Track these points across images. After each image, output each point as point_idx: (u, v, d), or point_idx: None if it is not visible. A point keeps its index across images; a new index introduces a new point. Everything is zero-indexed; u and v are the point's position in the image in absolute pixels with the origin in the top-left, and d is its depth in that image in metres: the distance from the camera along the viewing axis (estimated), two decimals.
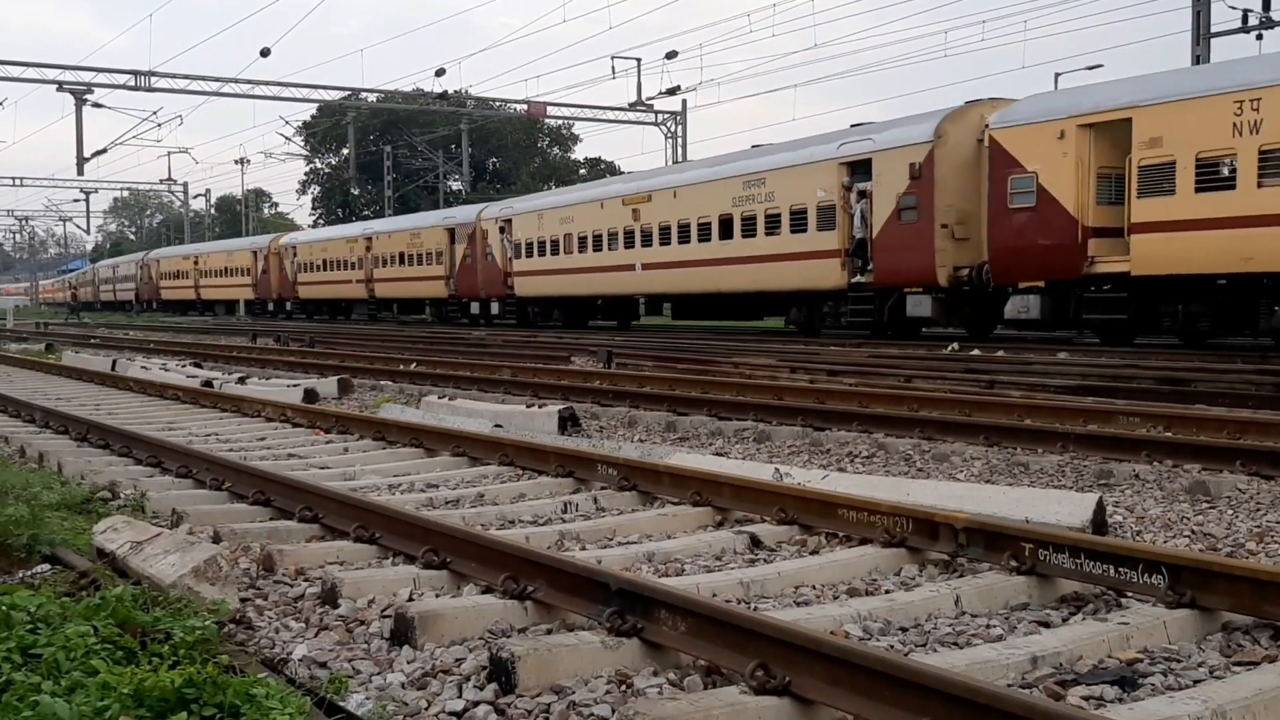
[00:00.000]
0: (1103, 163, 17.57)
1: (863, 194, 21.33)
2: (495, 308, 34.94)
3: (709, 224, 25.15)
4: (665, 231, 26.72)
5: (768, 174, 23.62)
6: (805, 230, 22.51)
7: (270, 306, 52.10)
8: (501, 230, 34.30)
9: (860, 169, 21.42)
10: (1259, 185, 15.33)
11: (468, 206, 40.95)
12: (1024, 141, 18.44)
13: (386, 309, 44.21)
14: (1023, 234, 18.37)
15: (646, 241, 27.40)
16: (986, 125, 19.34)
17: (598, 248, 29.38)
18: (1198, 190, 16.10)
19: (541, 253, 32.00)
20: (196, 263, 60.48)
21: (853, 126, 23.11)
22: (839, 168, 21.80)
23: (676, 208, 26.31)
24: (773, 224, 23.34)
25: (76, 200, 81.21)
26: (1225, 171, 15.85)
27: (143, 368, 17.30)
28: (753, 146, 25.43)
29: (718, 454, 8.19)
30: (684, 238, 26.03)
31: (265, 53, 36.03)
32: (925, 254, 19.83)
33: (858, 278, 21.55)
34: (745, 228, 24.10)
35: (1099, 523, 5.33)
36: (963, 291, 19.79)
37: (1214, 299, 16.72)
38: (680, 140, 44.27)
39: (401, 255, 40.46)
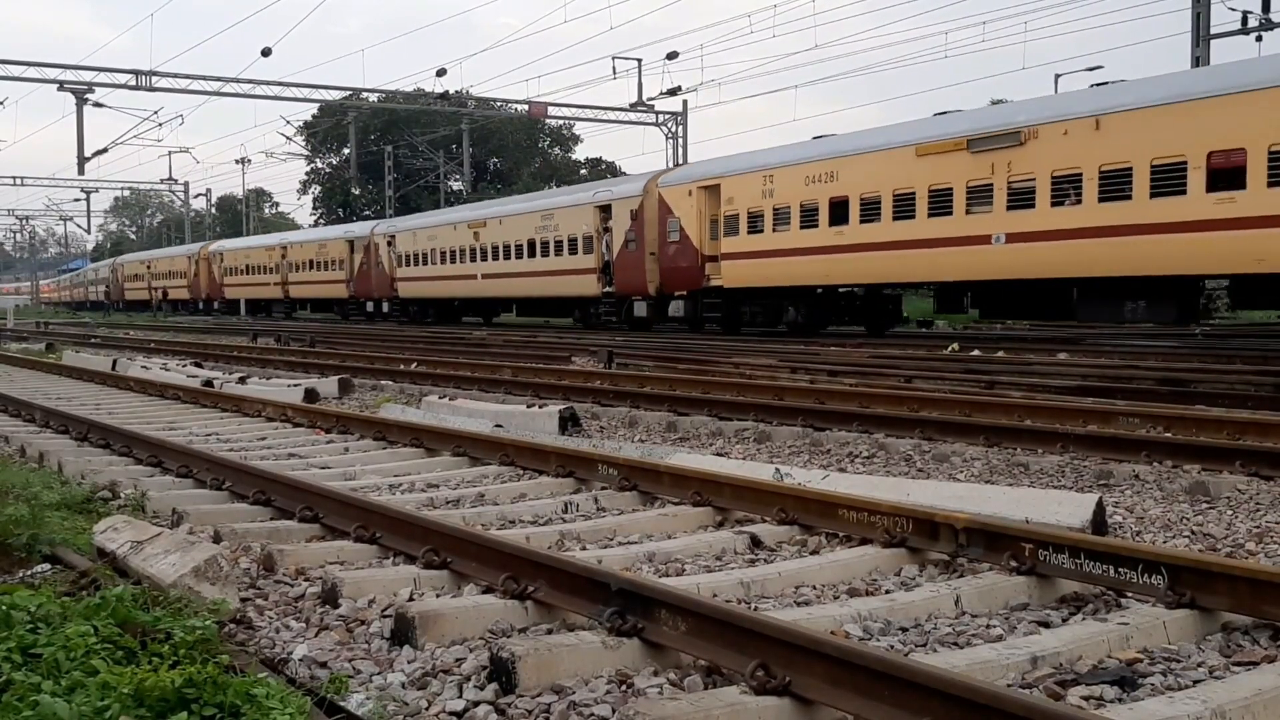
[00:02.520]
0: (712, 213, 25.68)
1: (608, 229, 29.19)
2: (385, 307, 42.12)
3: (522, 245, 32.89)
4: (496, 250, 34.33)
5: (555, 211, 31.85)
6: (577, 254, 30.45)
7: (200, 305, 60.38)
8: (389, 244, 41.23)
9: (607, 211, 29.29)
10: (774, 230, 23.64)
11: (364, 223, 49.29)
12: (674, 197, 26.90)
13: (301, 307, 51.98)
14: (674, 260, 26.84)
15: (484, 257, 34.94)
16: (657, 185, 27.35)
17: (453, 260, 36.73)
18: (749, 233, 24.31)
19: (416, 263, 39.26)
20: (149, 267, 69.12)
21: (612, 177, 31.33)
22: (595, 210, 29.69)
23: (502, 232, 34.13)
24: (559, 248, 31.33)
25: (77, 200, 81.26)
26: (760, 221, 24.03)
27: (143, 367, 17.30)
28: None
29: (718, 454, 8.19)
30: (507, 255, 33.70)
31: (266, 53, 35.92)
32: (640, 273, 27.79)
33: (607, 288, 29.42)
34: (543, 250, 31.99)
35: (1099, 523, 5.34)
36: (664, 299, 27.57)
37: (764, 302, 24.88)
38: (681, 140, 44.18)
39: (311, 262, 47.95)
